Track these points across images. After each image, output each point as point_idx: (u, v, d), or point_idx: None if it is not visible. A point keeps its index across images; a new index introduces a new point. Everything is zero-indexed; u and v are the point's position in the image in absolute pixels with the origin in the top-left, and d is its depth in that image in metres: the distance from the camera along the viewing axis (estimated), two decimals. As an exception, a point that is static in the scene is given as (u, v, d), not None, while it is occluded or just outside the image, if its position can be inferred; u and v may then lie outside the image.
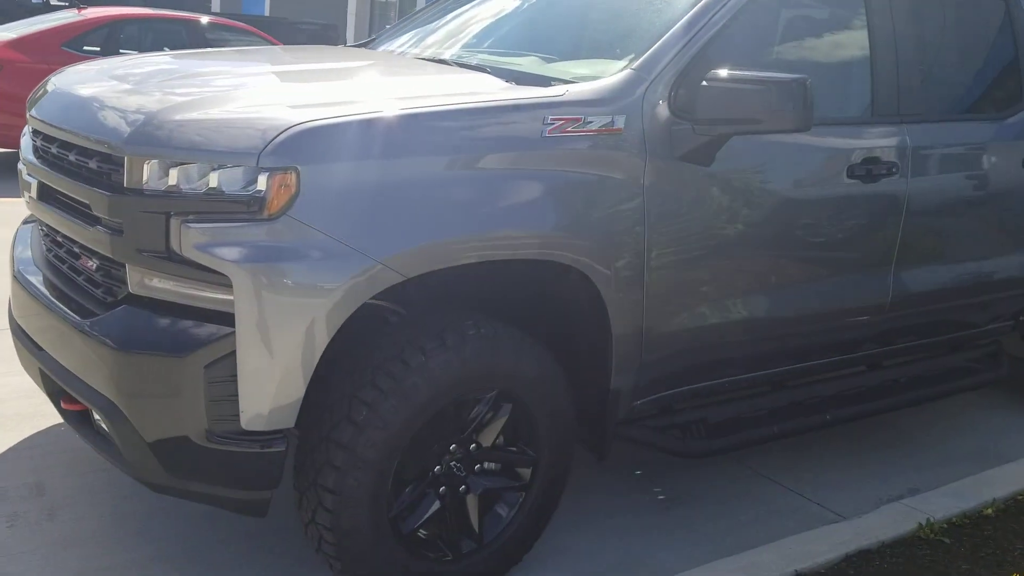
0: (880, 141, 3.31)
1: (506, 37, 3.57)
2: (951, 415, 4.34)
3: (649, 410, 3.08)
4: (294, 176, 2.23)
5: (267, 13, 22.94)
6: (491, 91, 2.71)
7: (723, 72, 2.71)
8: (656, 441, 3.10)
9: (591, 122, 2.63)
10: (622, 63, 2.85)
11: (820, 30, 3.34)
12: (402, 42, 3.77)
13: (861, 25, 3.34)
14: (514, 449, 2.74)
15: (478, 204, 2.48)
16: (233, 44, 9.71)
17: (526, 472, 2.75)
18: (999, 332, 4.18)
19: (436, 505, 2.60)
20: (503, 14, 3.73)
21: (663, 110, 2.77)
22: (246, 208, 2.22)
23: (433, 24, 3.83)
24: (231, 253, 2.21)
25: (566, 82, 2.80)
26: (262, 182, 2.21)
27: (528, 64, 3.13)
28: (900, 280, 3.48)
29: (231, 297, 2.21)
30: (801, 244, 3.14)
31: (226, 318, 2.23)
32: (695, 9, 2.94)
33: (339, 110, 2.38)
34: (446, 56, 3.36)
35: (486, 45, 3.50)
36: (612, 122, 2.67)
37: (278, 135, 2.25)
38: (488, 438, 2.67)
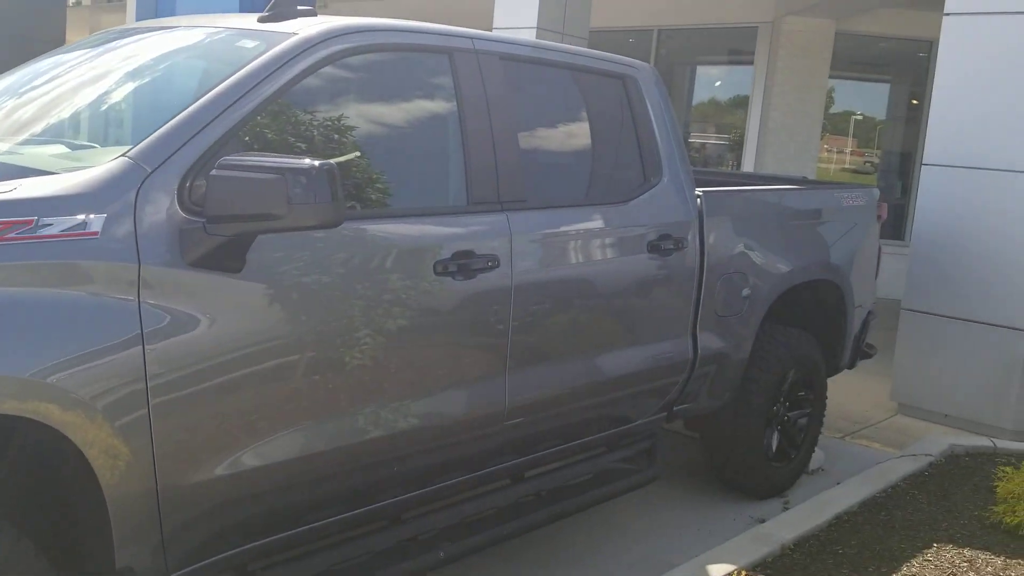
0: (475, 232, 2.94)
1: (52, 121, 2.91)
2: (606, 517, 4.03)
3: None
4: None
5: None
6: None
7: (236, 159, 2.21)
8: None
9: (48, 225, 2.03)
10: (121, 150, 2.28)
11: (398, 112, 2.94)
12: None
13: (450, 107, 3.00)
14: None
15: None
16: None
17: None
18: (654, 425, 3.94)
19: None
20: (51, 94, 3.07)
21: (170, 207, 2.22)
22: None
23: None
24: None
25: (48, 173, 2.20)
26: None
27: (35, 156, 2.50)
28: (517, 385, 3.09)
29: None
30: (376, 356, 2.65)
31: None
32: (227, 83, 2.44)
33: None
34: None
35: (28, 132, 2.83)
36: (84, 224, 2.08)
37: None
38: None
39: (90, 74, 2.96)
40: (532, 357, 3.15)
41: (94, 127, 2.71)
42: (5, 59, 4.55)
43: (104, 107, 2.78)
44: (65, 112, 2.80)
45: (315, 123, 2.66)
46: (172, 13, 9.69)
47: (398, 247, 2.70)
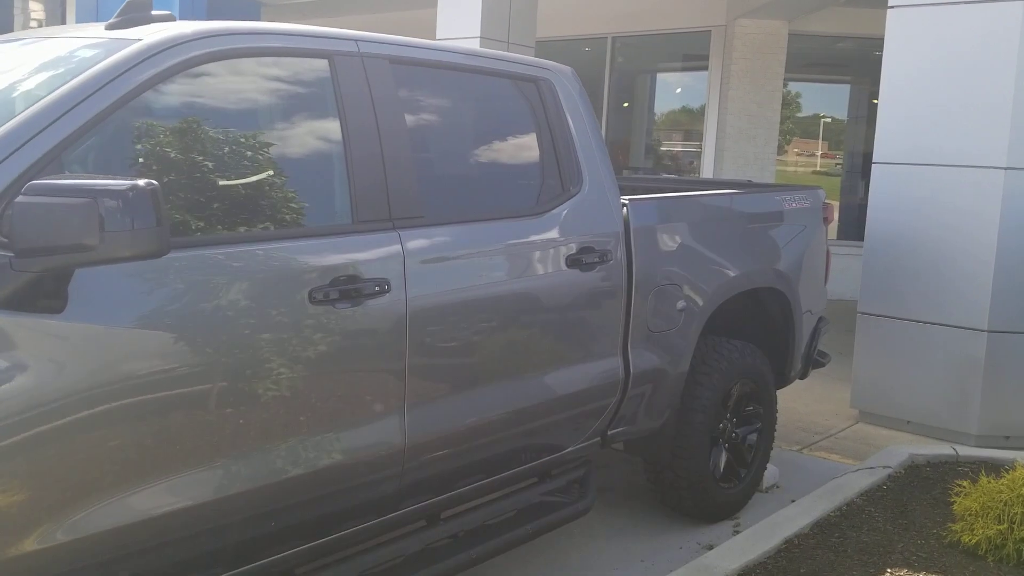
0: (361, 254, 2.66)
1: None
2: (543, 551, 3.75)
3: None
4: None
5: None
6: None
7: (46, 182, 1.93)
8: None
9: None
10: (-82, 177, 2.00)
11: (266, 123, 2.66)
12: None
13: (330, 115, 2.72)
14: None
15: None
16: None
17: None
18: (586, 452, 3.66)
19: None
20: None
21: None
22: None
23: None
24: None
25: None
26: None
27: None
28: (419, 420, 2.80)
29: None
30: (250, 400, 2.36)
31: None
32: (49, 99, 2.16)
33: None
34: None
35: None
36: None
37: None
38: None
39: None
40: (435, 389, 2.87)
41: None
42: None
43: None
44: None
45: (164, 140, 2.38)
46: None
47: (263, 274, 2.41)
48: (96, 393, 2.09)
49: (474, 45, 7.62)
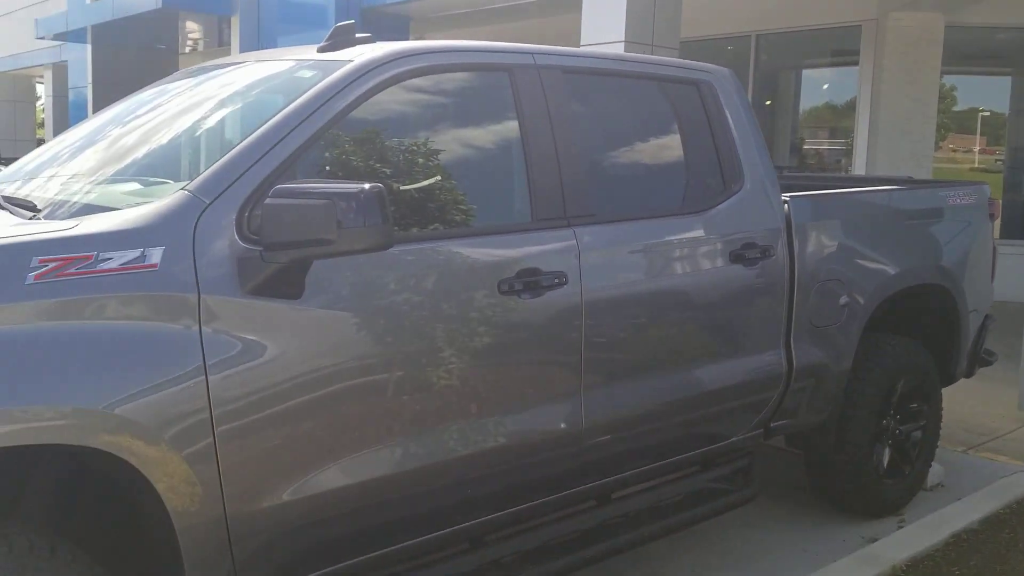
0: (540, 249, 2.89)
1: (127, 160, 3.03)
2: (708, 538, 3.87)
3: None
4: None
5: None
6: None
7: (289, 186, 2.24)
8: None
9: (108, 259, 2.09)
10: (180, 184, 2.35)
11: (458, 131, 2.93)
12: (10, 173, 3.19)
13: (511, 123, 2.96)
14: None
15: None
16: None
17: None
18: (750, 443, 3.77)
19: None
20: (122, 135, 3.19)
21: (230, 237, 2.27)
22: None
23: (54, 152, 3.25)
24: None
25: (113, 209, 2.28)
26: None
27: (104, 193, 2.60)
28: (594, 404, 3.00)
29: None
30: (442, 376, 2.62)
31: None
32: (282, 114, 2.48)
33: None
34: (25, 192, 2.79)
35: (107, 170, 2.95)
36: (142, 257, 2.14)
37: None
38: None
39: (165, 112, 3.07)
40: (608, 375, 3.06)
41: (167, 163, 2.81)
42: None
43: (175, 144, 2.88)
44: (140, 151, 2.90)
45: (375, 147, 2.68)
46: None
47: (460, 267, 2.67)
48: (323, 371, 2.38)
49: (619, 49, 7.77)
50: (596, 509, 3.26)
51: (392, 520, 2.64)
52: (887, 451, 4.17)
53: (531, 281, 2.81)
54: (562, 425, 2.93)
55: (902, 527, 3.99)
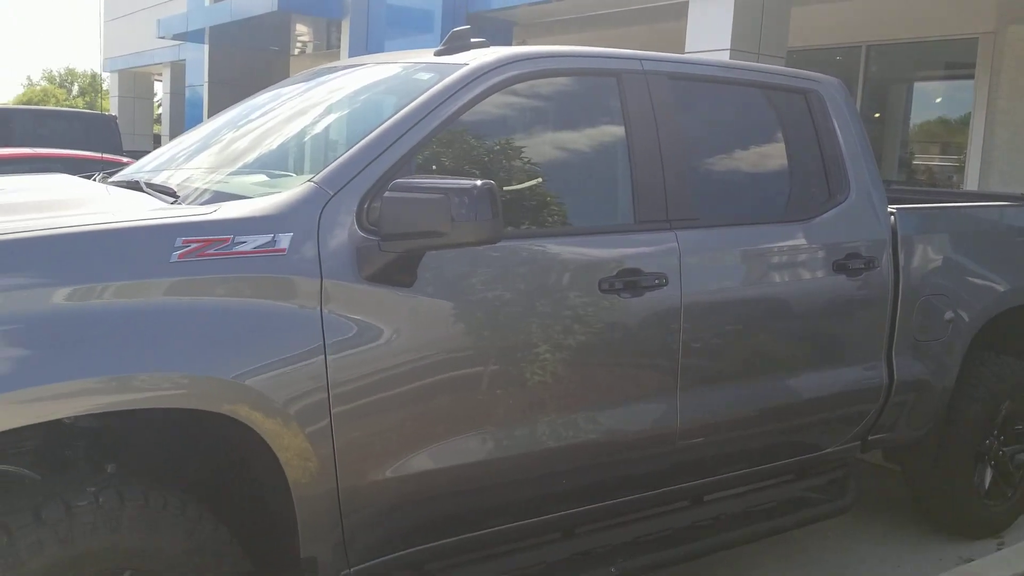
0: (641, 250, 2.95)
1: (255, 153, 3.23)
2: (802, 547, 3.85)
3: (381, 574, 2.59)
4: None
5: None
6: (128, 214, 2.34)
7: (407, 181, 2.37)
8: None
9: (243, 243, 2.26)
10: (307, 176, 2.51)
11: (566, 134, 3.03)
12: (146, 165, 3.43)
13: (617, 127, 3.03)
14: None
15: (94, 341, 2.07)
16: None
17: None
18: (846, 454, 3.74)
19: None
20: (247, 129, 3.40)
21: (351, 227, 2.41)
22: None
23: (185, 145, 3.49)
24: None
25: (246, 197, 2.46)
26: None
27: (238, 184, 2.79)
28: (689, 405, 3.05)
29: None
30: (541, 368, 2.71)
31: None
32: (401, 113, 2.62)
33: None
34: (163, 179, 3.01)
35: (238, 163, 3.16)
36: (273, 241, 2.30)
37: None
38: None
39: (290, 110, 3.26)
40: (704, 377, 3.10)
41: (292, 157, 2.99)
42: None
43: (300, 139, 3.06)
44: (268, 145, 3.10)
45: (486, 147, 2.79)
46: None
47: (563, 263, 2.76)
48: (430, 358, 2.51)
49: (724, 57, 7.74)
50: (688, 509, 3.30)
51: (486, 505, 2.75)
52: (989, 472, 4.07)
53: (632, 281, 2.88)
54: (657, 424, 2.99)
55: (1001, 549, 3.89)
